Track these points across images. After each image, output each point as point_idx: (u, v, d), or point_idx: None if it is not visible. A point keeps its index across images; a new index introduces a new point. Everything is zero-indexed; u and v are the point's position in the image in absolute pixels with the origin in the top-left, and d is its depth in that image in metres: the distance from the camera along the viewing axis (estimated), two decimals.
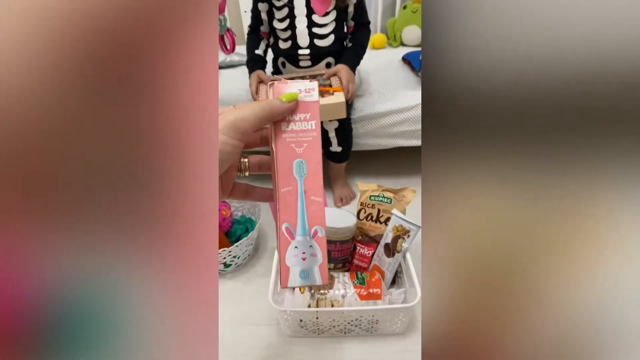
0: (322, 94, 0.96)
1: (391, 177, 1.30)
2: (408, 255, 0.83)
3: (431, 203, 0.26)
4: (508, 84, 0.24)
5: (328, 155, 1.17)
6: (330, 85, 1.01)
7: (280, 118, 0.28)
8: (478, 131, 0.25)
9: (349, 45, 1.14)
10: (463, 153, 0.25)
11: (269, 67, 1.20)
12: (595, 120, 0.23)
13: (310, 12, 1.03)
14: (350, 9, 1.09)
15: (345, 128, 1.10)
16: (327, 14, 1.04)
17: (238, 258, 0.95)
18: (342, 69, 1.04)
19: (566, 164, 0.24)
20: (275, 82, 0.30)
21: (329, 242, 0.83)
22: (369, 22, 1.14)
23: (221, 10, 1.04)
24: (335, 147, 1.14)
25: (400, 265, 0.85)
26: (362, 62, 1.14)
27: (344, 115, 0.96)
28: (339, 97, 0.94)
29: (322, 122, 1.09)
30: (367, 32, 1.14)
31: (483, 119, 0.25)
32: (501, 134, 0.24)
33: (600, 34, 0.22)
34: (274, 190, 0.29)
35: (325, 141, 1.13)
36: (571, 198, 0.24)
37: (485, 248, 0.25)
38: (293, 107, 0.29)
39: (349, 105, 1.12)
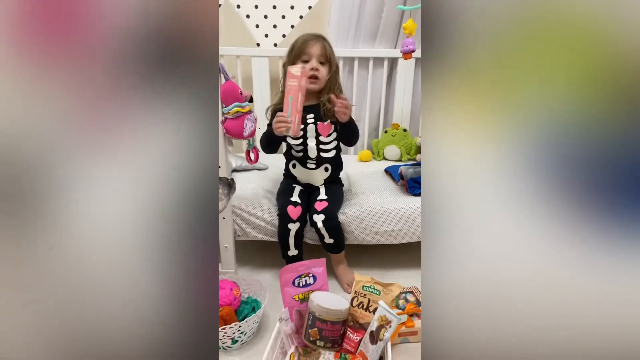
0: None
1: (385, 268, 1.52)
2: (389, 345, 0.99)
3: None
4: None
5: (324, 247, 1.40)
6: None
7: None
8: None
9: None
10: None
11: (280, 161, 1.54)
12: None
13: (317, 135, 1.41)
14: None
15: (330, 221, 1.33)
16: (329, 135, 1.42)
17: (244, 334, 1.07)
18: None
19: None
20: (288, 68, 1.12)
21: (321, 320, 0.99)
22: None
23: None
24: (328, 239, 1.36)
25: (383, 352, 1.00)
26: (352, 170, 1.71)
27: None
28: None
29: (312, 215, 1.35)
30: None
31: None
32: None
33: None
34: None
35: (320, 235, 1.37)
36: None
37: None
38: None
39: (335, 203, 1.41)
